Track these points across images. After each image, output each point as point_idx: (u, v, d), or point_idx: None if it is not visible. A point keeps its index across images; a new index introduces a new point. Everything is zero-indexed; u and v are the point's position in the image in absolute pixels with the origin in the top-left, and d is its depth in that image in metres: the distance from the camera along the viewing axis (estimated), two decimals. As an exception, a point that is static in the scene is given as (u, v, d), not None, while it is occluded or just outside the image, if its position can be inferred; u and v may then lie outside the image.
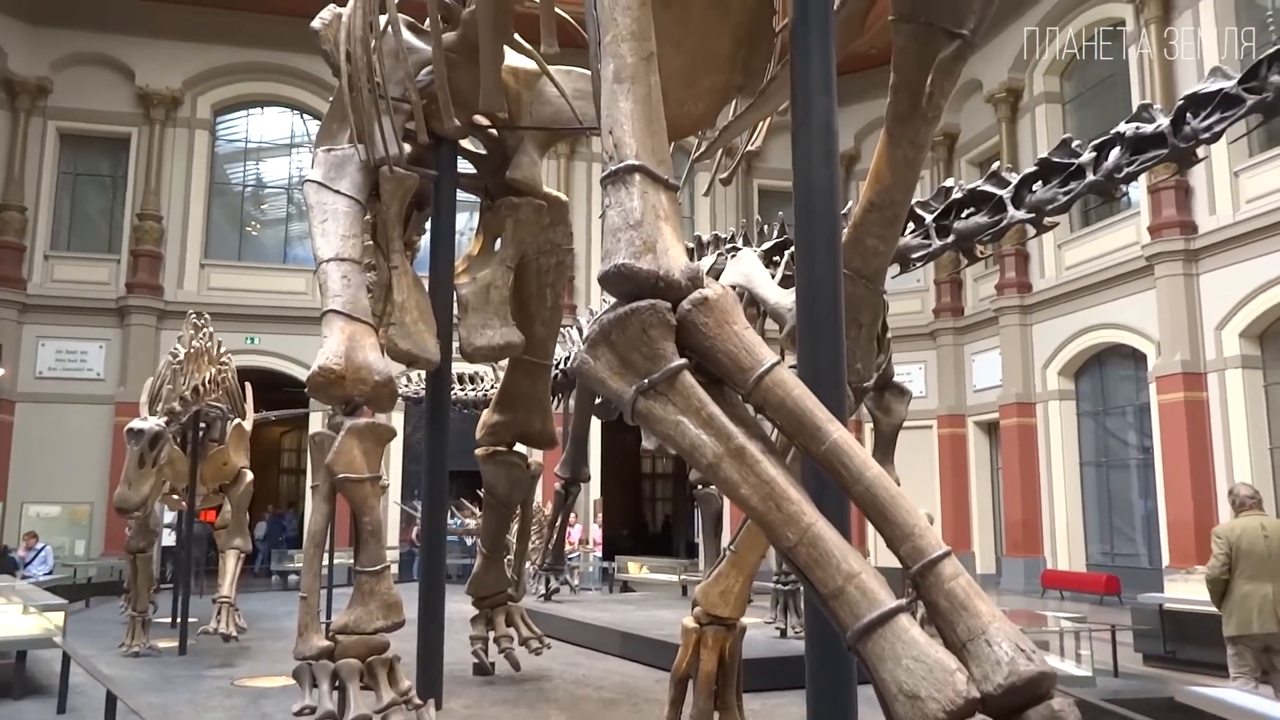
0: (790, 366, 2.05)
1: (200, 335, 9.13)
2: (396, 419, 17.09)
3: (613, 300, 2.10)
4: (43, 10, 18.81)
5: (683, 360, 1.96)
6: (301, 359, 18.03)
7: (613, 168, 2.18)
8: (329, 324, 4.54)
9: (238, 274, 19.96)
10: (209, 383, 8.98)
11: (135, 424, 8.10)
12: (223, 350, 9.59)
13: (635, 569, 16.08)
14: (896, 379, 7.75)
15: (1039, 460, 17.63)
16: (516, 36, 5.23)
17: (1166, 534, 14.23)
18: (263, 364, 18.47)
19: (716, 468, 1.90)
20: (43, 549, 14.57)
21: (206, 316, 9.53)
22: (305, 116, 20.93)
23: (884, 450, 7.52)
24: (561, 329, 9.25)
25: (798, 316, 2.79)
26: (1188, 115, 5.21)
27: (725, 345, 1.99)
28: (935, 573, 1.67)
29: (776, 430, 2.11)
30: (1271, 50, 4.97)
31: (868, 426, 12.79)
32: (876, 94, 3.86)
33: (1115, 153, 5.53)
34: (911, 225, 6.61)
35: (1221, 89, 5.04)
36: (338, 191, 4.98)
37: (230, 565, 9.39)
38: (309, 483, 10.58)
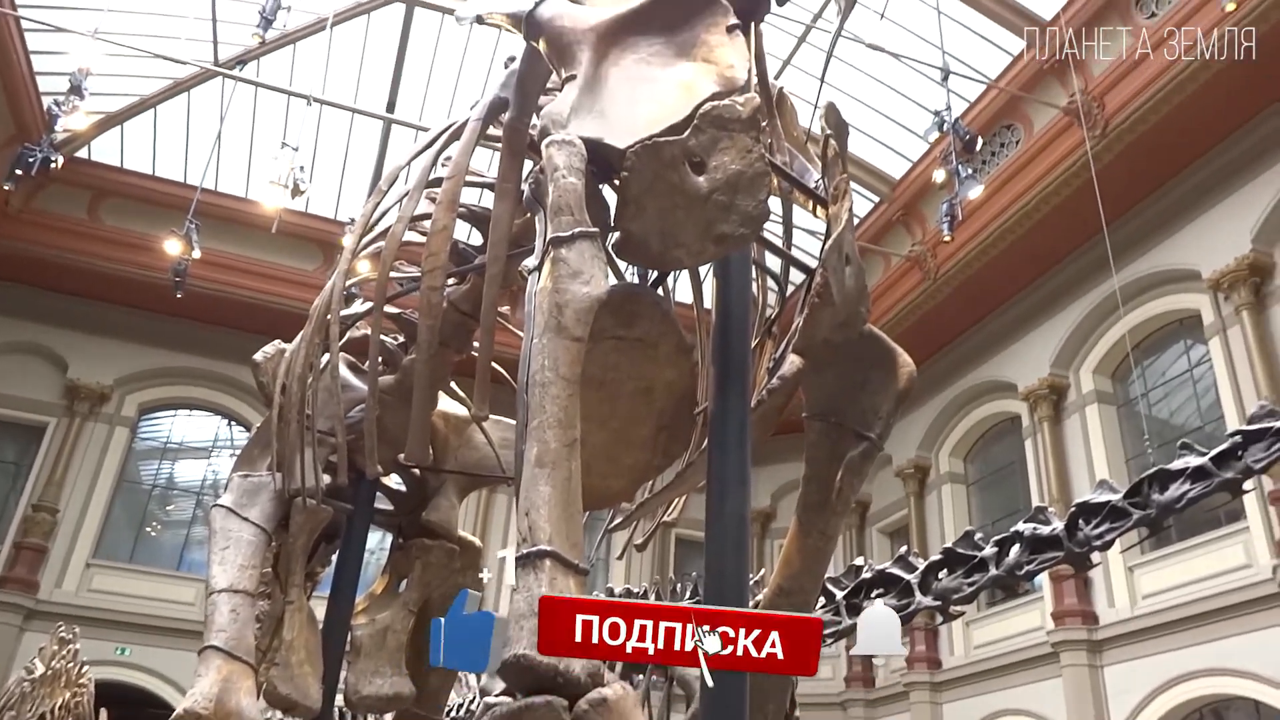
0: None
1: (63, 653, 8.39)
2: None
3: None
4: (-14, 298, 19.10)
5: (575, 767, 1.87)
6: (176, 679, 16.59)
7: (525, 550, 2.20)
8: (206, 661, 4.28)
9: (125, 577, 18.76)
10: (60, 709, 8.13)
11: (-40, 753, 7.22)
12: (84, 671, 8.76)
13: None
14: (805, 759, 7.39)
15: None
16: (453, 384, 5.43)
17: None
18: (131, 679, 16.94)
19: None
20: None
21: (75, 632, 8.81)
22: (231, 423, 20.92)
23: (789, 842, 6.98)
24: (459, 674, 8.76)
25: (699, 708, 2.70)
26: (1080, 521, 5.51)
27: (621, 753, 1.91)
28: None
29: None
30: (1152, 470, 5.39)
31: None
32: (794, 456, 4.08)
33: (1015, 550, 5.75)
34: (823, 600, 6.64)
35: (1109, 501, 5.38)
36: (246, 519, 4.89)
37: None
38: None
